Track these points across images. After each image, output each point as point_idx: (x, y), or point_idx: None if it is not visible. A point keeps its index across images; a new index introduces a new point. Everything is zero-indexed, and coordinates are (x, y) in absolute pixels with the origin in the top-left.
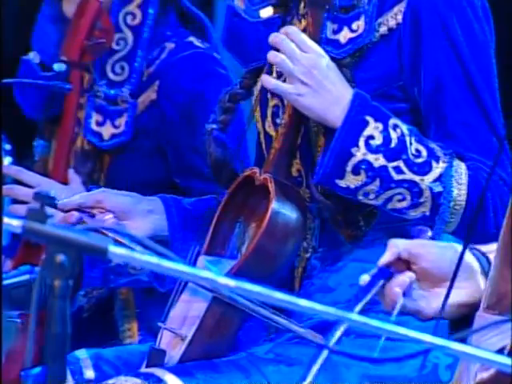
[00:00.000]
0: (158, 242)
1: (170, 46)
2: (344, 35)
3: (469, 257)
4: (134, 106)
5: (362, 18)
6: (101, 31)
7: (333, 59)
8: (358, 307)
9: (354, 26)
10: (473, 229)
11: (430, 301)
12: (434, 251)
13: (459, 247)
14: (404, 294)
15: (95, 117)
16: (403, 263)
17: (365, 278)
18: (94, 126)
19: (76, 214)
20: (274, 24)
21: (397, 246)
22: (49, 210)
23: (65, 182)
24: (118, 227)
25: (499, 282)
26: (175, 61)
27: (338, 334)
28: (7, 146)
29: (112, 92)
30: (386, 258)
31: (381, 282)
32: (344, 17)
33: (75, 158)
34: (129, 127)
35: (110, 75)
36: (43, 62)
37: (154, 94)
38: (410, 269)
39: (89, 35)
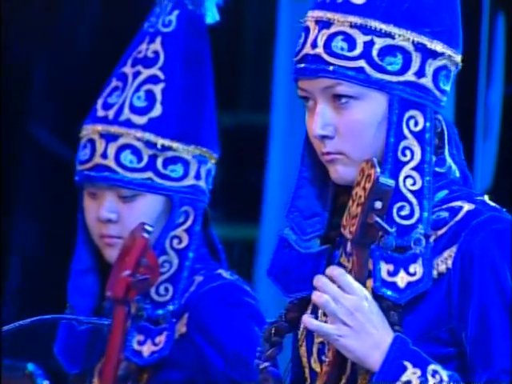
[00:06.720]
0: None
1: (198, 278)
2: (401, 278)
3: None
4: (173, 324)
5: (420, 261)
6: (146, 268)
7: (391, 303)
8: None
9: (411, 270)
10: None
11: None
12: None
13: None
14: None
15: (137, 337)
16: None
17: None
18: (135, 346)
19: None
20: (323, 255)
21: None
22: None
23: None
24: None
25: None
26: (203, 292)
27: None
28: (45, 383)
29: (155, 313)
30: None
31: None
32: (399, 257)
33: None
34: (167, 343)
35: (154, 296)
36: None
37: (184, 328)
38: None
39: (134, 272)
